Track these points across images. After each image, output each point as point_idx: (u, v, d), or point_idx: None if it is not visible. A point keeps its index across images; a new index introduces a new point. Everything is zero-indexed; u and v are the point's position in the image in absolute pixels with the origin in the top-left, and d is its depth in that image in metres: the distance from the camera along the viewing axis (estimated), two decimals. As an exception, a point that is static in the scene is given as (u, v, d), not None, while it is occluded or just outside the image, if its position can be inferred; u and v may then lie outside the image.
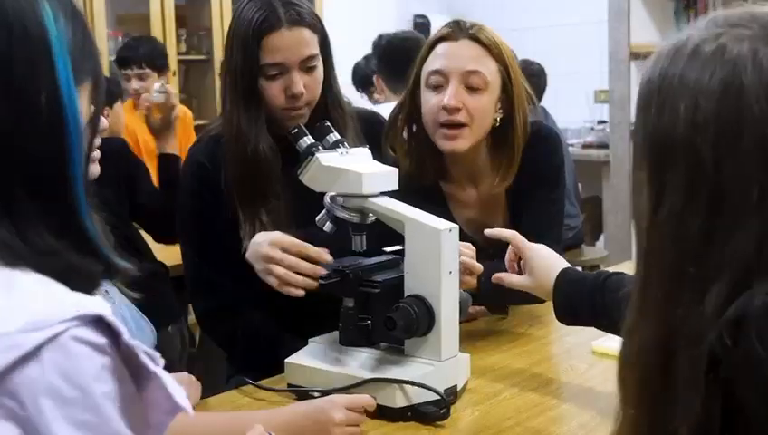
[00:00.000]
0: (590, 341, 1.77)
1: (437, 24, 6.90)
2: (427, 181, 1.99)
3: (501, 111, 1.93)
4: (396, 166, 1.92)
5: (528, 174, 1.97)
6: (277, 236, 1.65)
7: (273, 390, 1.60)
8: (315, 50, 1.84)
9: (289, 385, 1.60)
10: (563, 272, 1.55)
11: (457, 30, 1.92)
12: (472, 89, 1.89)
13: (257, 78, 1.82)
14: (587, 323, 1.54)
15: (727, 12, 0.78)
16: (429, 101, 1.91)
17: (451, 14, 6.38)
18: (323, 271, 1.59)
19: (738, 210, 0.72)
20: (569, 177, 3.98)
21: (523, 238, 1.62)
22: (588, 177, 4.93)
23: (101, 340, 0.72)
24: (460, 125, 1.89)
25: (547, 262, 1.58)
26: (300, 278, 1.60)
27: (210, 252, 1.84)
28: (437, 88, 1.90)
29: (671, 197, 0.76)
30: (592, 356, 1.74)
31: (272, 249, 1.62)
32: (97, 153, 1.60)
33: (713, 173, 0.73)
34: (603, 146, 5.16)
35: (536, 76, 4.13)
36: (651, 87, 0.78)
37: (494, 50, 1.91)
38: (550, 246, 1.95)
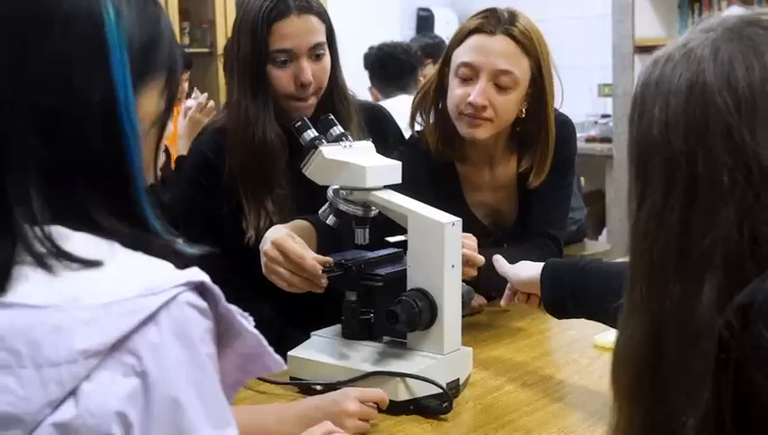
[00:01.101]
0: (592, 335, 1.77)
1: (441, 18, 6.89)
2: (450, 158, 2.00)
3: (527, 103, 1.93)
4: (415, 147, 1.93)
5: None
6: (281, 237, 1.61)
7: (276, 383, 1.60)
8: (323, 38, 1.85)
9: (291, 378, 1.60)
10: (546, 265, 1.58)
11: (494, 22, 1.88)
12: (501, 87, 1.88)
13: (265, 66, 1.82)
14: (574, 313, 1.56)
15: (704, 21, 0.85)
16: (455, 90, 1.91)
17: (454, 7, 6.36)
18: (324, 280, 1.58)
19: (713, 198, 0.77)
20: (573, 170, 3.98)
21: (506, 265, 1.66)
22: (591, 170, 4.92)
23: (204, 304, 0.78)
24: (485, 118, 1.89)
25: (531, 264, 1.63)
26: (303, 285, 1.59)
27: (212, 244, 1.85)
28: (466, 80, 1.89)
29: (651, 194, 0.81)
30: (594, 350, 1.75)
31: (272, 250, 1.60)
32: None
33: (686, 165, 0.78)
34: (607, 140, 5.16)
35: None
36: (635, 97, 0.86)
37: (528, 46, 1.89)
38: (555, 233, 1.97)
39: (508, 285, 1.66)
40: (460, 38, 1.92)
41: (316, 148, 1.61)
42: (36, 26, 0.80)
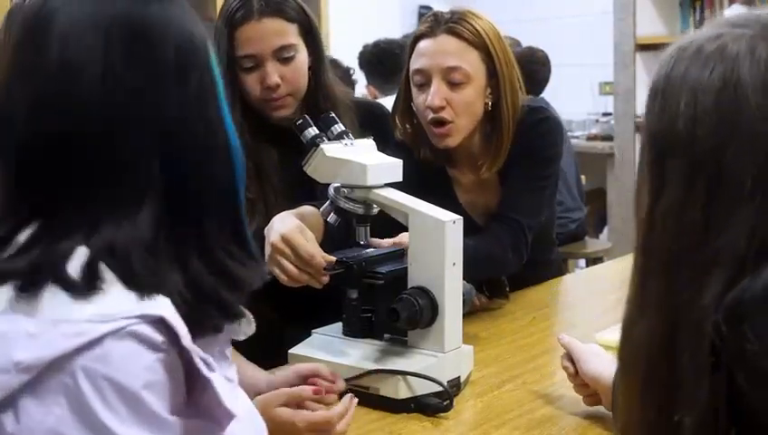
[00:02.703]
0: (594, 333, 1.77)
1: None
2: (438, 164, 2.00)
3: (491, 95, 1.92)
4: (403, 147, 1.92)
5: (521, 154, 1.96)
6: (291, 232, 1.59)
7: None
8: (291, 40, 1.82)
9: (292, 376, 1.60)
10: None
11: (435, 25, 1.90)
12: (454, 84, 1.87)
13: (234, 70, 1.81)
14: None
15: (732, 15, 0.82)
16: (417, 100, 1.92)
17: (456, 5, 6.36)
18: (326, 278, 1.58)
19: (733, 199, 0.75)
20: (570, 170, 3.97)
21: (577, 346, 1.49)
22: (592, 169, 4.92)
23: (158, 338, 0.78)
24: (447, 122, 1.88)
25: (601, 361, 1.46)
26: (305, 278, 1.59)
27: None
28: (422, 87, 1.90)
29: (671, 189, 0.79)
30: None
31: (280, 243, 1.58)
32: None
33: (712, 162, 0.76)
34: (608, 138, 5.16)
35: (540, 64, 4.11)
36: (656, 89, 0.82)
37: (474, 40, 1.88)
38: (518, 217, 1.92)
39: (568, 359, 1.49)
40: (410, 49, 1.94)
41: (317, 146, 1.61)
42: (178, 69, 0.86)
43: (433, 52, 1.88)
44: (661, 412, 0.78)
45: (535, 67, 3.97)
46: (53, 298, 0.78)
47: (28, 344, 0.75)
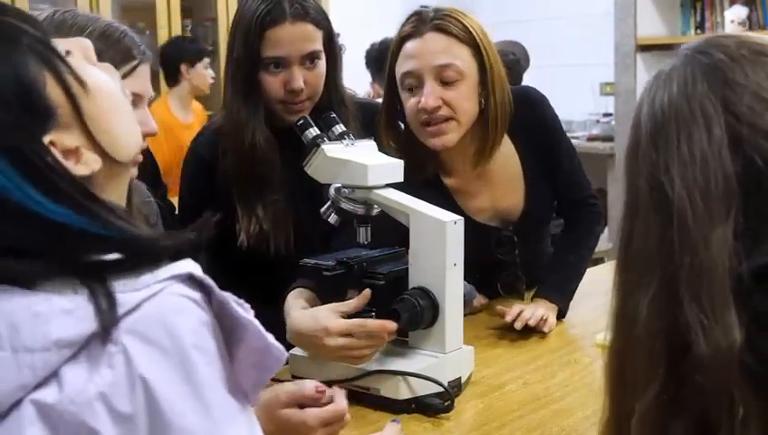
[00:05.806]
0: (594, 334, 1.77)
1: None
2: (427, 175, 1.92)
3: (484, 92, 1.85)
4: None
5: (531, 145, 1.94)
6: (336, 323, 1.49)
7: (278, 380, 1.60)
8: (318, 46, 1.83)
9: (293, 377, 1.60)
10: None
11: (420, 23, 1.83)
12: (448, 83, 1.80)
13: (258, 70, 1.81)
14: None
15: (695, 41, 0.85)
16: (408, 103, 1.84)
17: (457, 4, 6.35)
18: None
19: (647, 211, 0.80)
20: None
21: None
22: (593, 169, 4.90)
23: (196, 294, 0.79)
24: (446, 119, 1.81)
25: None
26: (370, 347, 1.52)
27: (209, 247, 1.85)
28: (413, 89, 1.82)
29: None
30: (596, 349, 1.74)
31: (339, 338, 1.49)
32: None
33: (629, 183, 0.83)
34: (608, 139, 5.16)
35: (509, 68, 4.08)
36: None
37: (463, 36, 1.81)
38: (588, 193, 2.03)
39: None
40: (395, 51, 1.87)
41: (318, 146, 1.61)
42: None
43: (422, 51, 1.81)
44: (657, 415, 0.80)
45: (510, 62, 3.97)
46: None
47: (64, 321, 0.75)
